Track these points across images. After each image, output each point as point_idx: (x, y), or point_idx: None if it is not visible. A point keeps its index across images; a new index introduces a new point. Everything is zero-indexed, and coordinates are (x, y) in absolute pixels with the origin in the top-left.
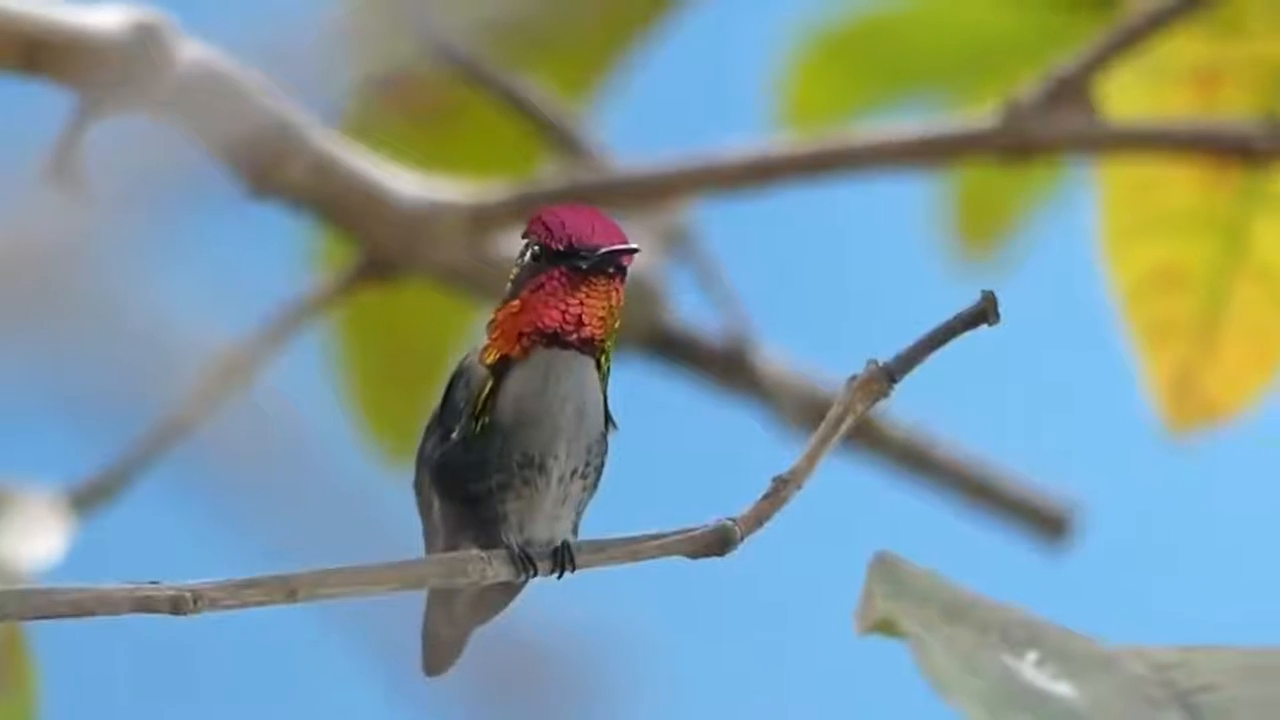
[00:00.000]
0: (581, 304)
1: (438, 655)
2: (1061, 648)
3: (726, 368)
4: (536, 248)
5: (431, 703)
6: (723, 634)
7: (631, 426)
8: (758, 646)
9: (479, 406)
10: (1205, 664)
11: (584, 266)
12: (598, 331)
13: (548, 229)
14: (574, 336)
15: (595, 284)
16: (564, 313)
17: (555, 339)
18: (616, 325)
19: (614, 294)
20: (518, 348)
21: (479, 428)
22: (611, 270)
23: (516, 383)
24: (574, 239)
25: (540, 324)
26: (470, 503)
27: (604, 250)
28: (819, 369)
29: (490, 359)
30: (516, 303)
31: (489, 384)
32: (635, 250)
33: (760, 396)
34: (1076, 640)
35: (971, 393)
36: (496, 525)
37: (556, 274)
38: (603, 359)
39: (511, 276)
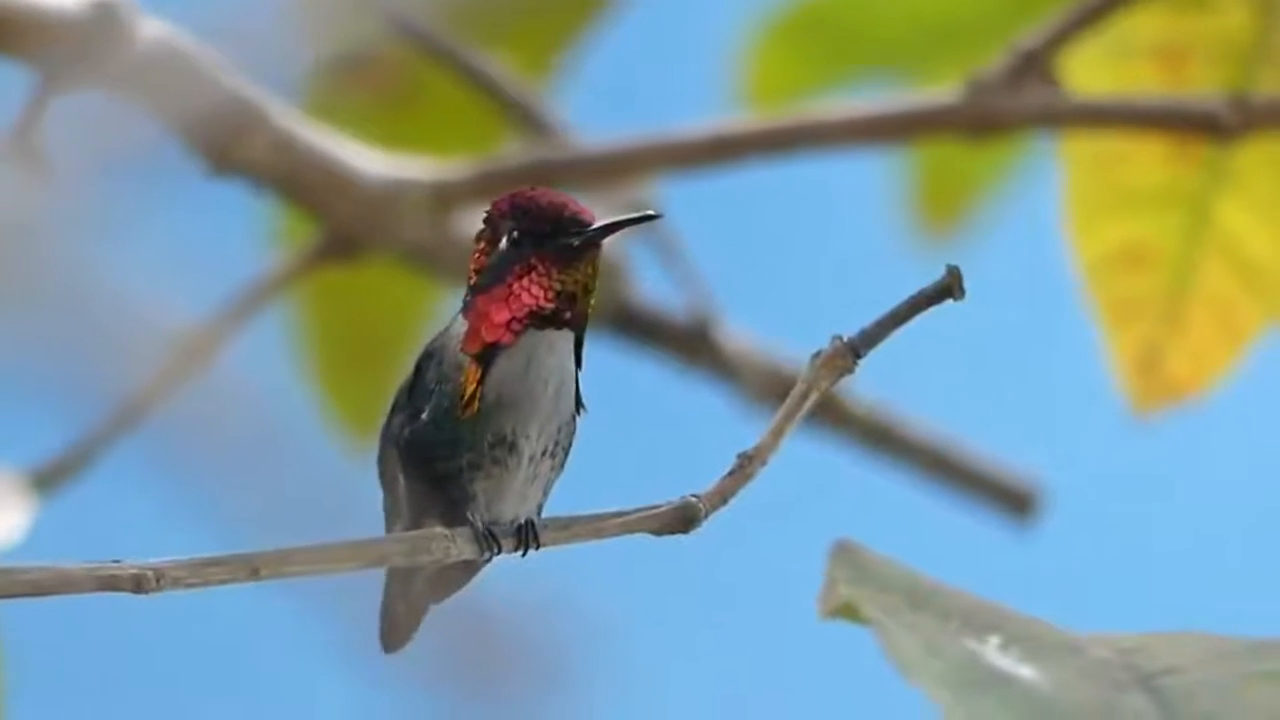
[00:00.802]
0: (571, 283)
1: (395, 631)
2: (1024, 632)
3: (690, 345)
4: (515, 233)
5: (395, 680)
6: (688, 611)
7: (595, 404)
8: (723, 623)
9: (467, 394)
10: (1168, 648)
11: (576, 244)
12: (584, 308)
13: (526, 213)
14: (566, 315)
15: (578, 262)
16: (557, 294)
17: (547, 320)
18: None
19: (593, 269)
20: (508, 334)
21: (466, 413)
22: (595, 246)
23: (501, 366)
24: (556, 219)
25: (535, 307)
26: (438, 481)
27: (596, 226)
28: (782, 346)
29: (476, 347)
30: (503, 289)
31: (478, 371)
32: (628, 222)
33: (724, 374)
34: (1039, 625)
35: (936, 370)
36: (464, 504)
37: (545, 256)
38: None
39: (475, 259)
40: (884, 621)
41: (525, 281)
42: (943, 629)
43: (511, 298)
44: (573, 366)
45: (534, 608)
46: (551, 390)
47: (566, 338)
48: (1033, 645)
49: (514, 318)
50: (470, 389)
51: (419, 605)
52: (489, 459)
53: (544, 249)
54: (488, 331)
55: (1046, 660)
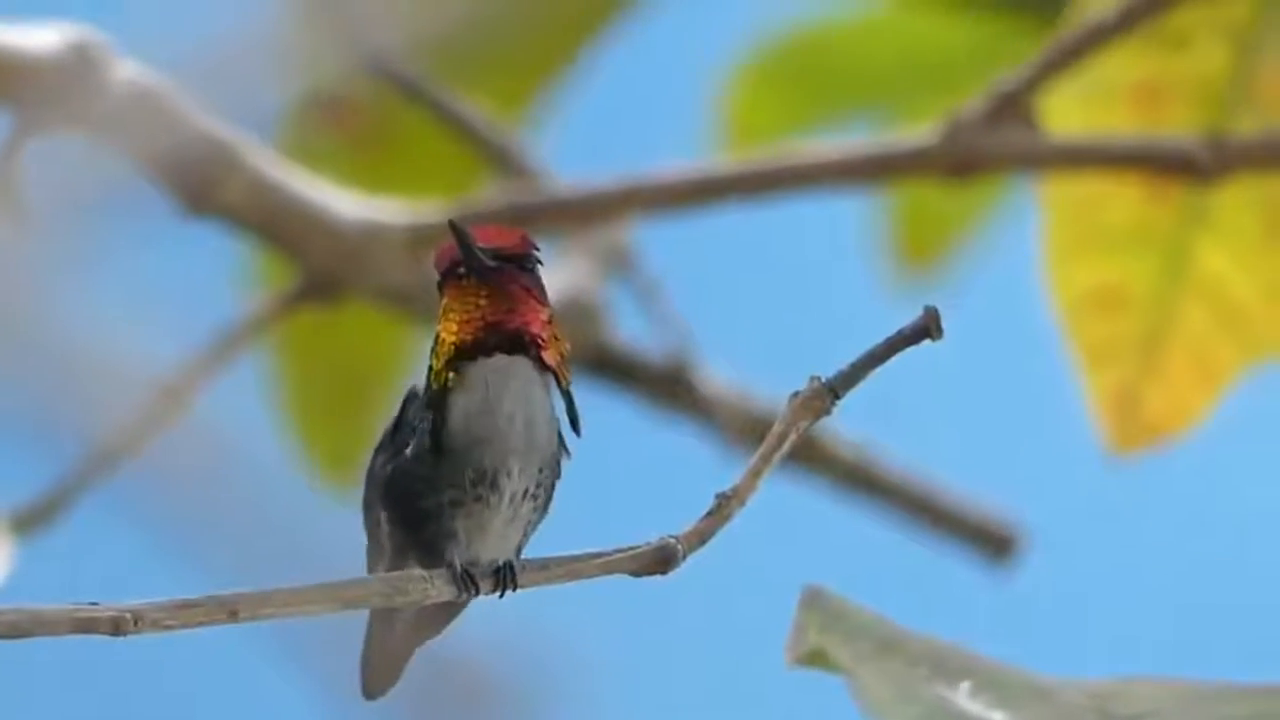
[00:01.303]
0: (482, 308)
1: (377, 678)
2: (995, 678)
3: (667, 386)
4: (437, 278)
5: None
6: (666, 652)
7: (573, 445)
8: (700, 665)
9: (430, 430)
10: (1140, 693)
11: (460, 273)
12: (511, 322)
13: (436, 257)
14: (490, 341)
15: (488, 286)
16: (466, 322)
17: (476, 348)
18: (538, 309)
19: (511, 283)
20: (448, 372)
21: (430, 449)
22: (491, 263)
23: (461, 402)
24: (451, 255)
25: (454, 340)
26: (420, 520)
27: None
28: (760, 388)
29: (433, 384)
30: (437, 333)
31: (433, 408)
32: (490, 237)
33: (702, 415)
34: (1010, 671)
35: (915, 411)
36: (443, 542)
37: (448, 290)
38: (552, 346)
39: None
40: (854, 668)
41: (444, 319)
42: (912, 675)
43: (440, 338)
44: (543, 400)
45: (511, 649)
46: (520, 424)
47: (522, 366)
48: (1004, 691)
49: (446, 356)
50: (431, 423)
51: (402, 649)
52: (470, 496)
53: (446, 284)
54: (435, 368)
55: (1017, 706)
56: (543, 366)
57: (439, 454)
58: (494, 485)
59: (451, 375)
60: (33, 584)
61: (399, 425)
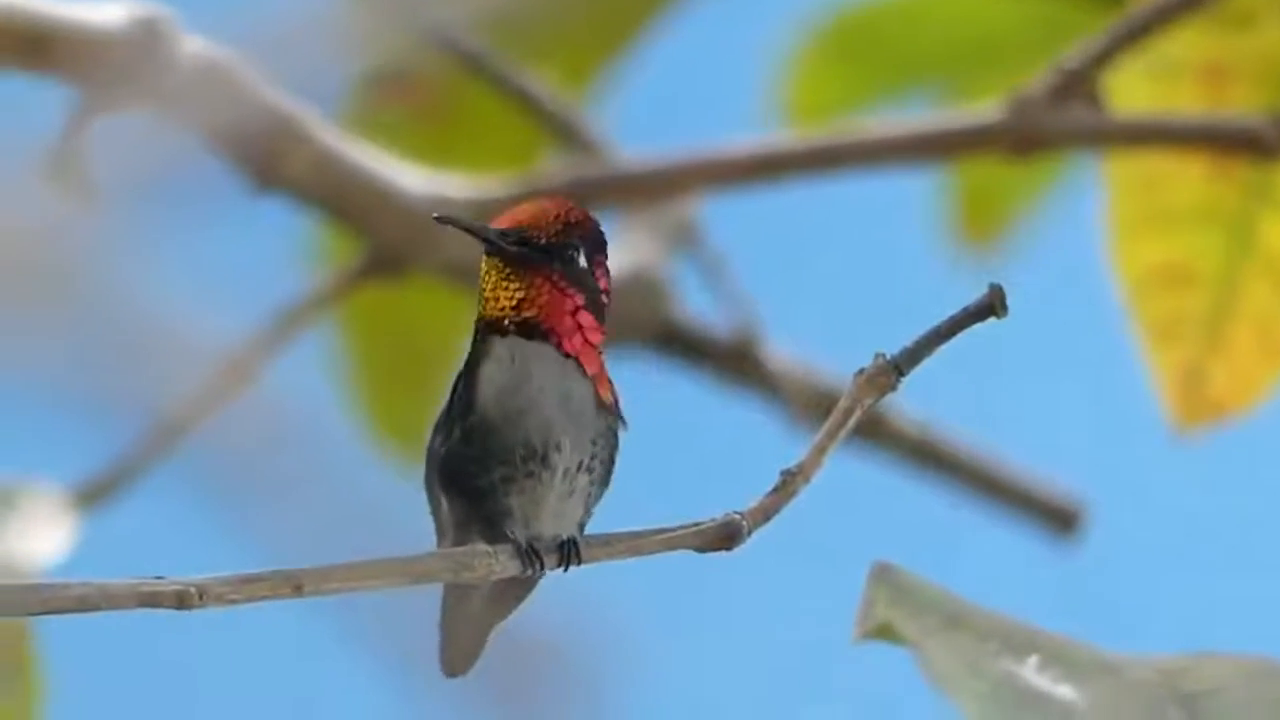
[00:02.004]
0: (515, 289)
1: (457, 655)
2: (1063, 653)
3: (733, 363)
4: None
5: (436, 701)
6: (727, 628)
7: (639, 422)
8: (765, 641)
9: (459, 411)
10: (1209, 669)
11: (489, 252)
12: (531, 314)
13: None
14: (511, 322)
15: (529, 271)
16: (490, 300)
17: (498, 327)
18: (553, 301)
19: (534, 278)
20: (474, 347)
21: (459, 433)
22: (511, 249)
23: (493, 378)
24: (501, 230)
25: (480, 314)
26: (475, 497)
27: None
28: (825, 364)
29: (465, 363)
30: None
31: (464, 388)
32: (524, 219)
33: (767, 391)
34: (1078, 646)
35: (979, 388)
36: (501, 520)
37: (485, 264)
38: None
39: None
40: (922, 641)
41: (479, 295)
42: (981, 649)
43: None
44: (575, 375)
45: (576, 626)
46: (554, 399)
47: (545, 348)
48: (1071, 666)
49: (476, 331)
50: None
51: (479, 627)
52: (522, 472)
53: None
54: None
55: (1085, 681)
56: (563, 354)
57: (468, 432)
58: (545, 461)
59: (477, 350)
60: (97, 559)
61: (452, 404)
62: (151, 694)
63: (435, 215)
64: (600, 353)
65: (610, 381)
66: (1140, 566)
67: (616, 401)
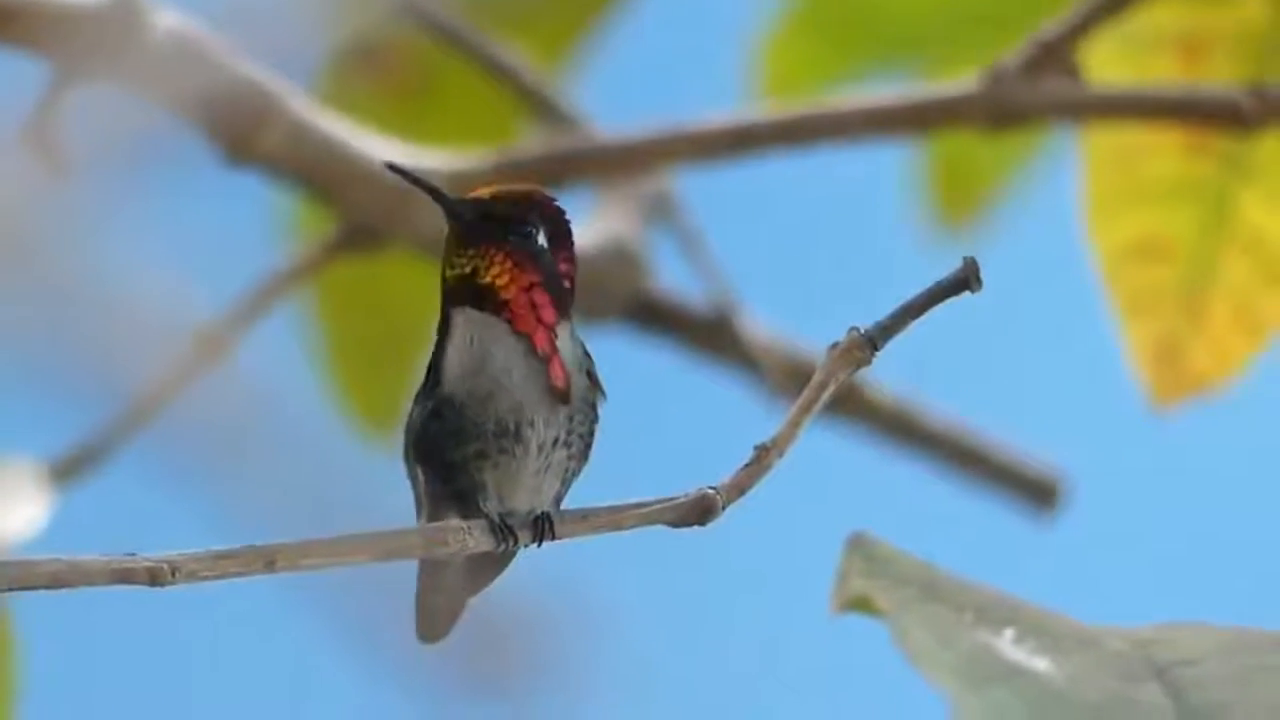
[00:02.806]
0: (471, 256)
1: (432, 622)
2: (1039, 625)
3: (710, 336)
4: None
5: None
6: (701, 603)
7: (615, 396)
8: (737, 616)
9: (430, 386)
10: (1184, 640)
11: (454, 219)
12: (484, 282)
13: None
14: (467, 288)
15: (482, 239)
16: (452, 266)
17: (455, 296)
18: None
19: (493, 251)
20: (441, 321)
21: (431, 408)
22: (469, 216)
23: (456, 357)
24: (461, 199)
25: (442, 276)
26: (447, 471)
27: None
28: (803, 338)
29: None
30: None
31: (434, 364)
32: (476, 200)
33: (744, 365)
34: (1055, 618)
35: (956, 362)
36: (474, 494)
37: (447, 232)
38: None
39: None
40: (897, 613)
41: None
42: (957, 621)
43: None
44: (530, 350)
45: (547, 600)
46: (518, 377)
47: (502, 326)
48: (1047, 638)
49: (441, 300)
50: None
51: (457, 597)
52: (495, 448)
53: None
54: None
55: (1061, 652)
56: (516, 331)
57: (440, 399)
58: (518, 436)
59: (442, 324)
60: (70, 535)
61: (428, 379)
62: (129, 672)
63: (386, 163)
64: (555, 335)
65: (589, 357)
66: (1118, 539)
67: (595, 377)
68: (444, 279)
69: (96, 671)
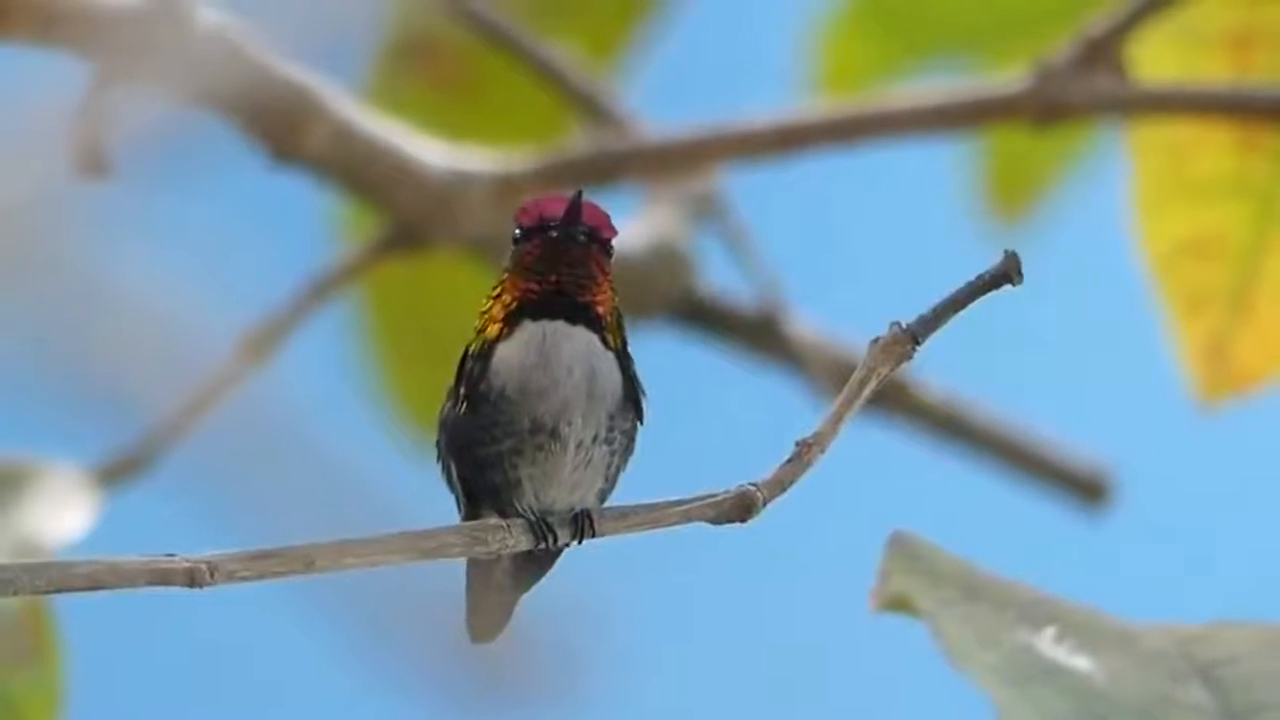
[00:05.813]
0: (559, 273)
1: (485, 621)
2: (1081, 623)
3: (757, 335)
4: (516, 231)
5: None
6: (742, 600)
7: (662, 394)
8: (779, 614)
9: (470, 382)
10: (1227, 638)
11: (554, 235)
12: (581, 297)
13: (523, 211)
14: (556, 305)
15: (570, 253)
16: (541, 281)
17: (539, 309)
18: (607, 292)
19: (592, 262)
20: (503, 325)
21: (467, 403)
22: (582, 238)
23: (512, 356)
24: (544, 215)
25: (522, 296)
26: (481, 468)
27: (561, 220)
28: (851, 336)
29: (481, 336)
30: (502, 281)
31: (478, 361)
32: (591, 216)
33: (791, 363)
34: (1096, 617)
35: (1005, 358)
36: (508, 491)
37: (530, 248)
38: (610, 326)
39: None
40: (937, 613)
41: (516, 273)
42: (998, 620)
43: (505, 290)
44: (603, 353)
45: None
46: (578, 377)
47: (582, 330)
48: (1088, 636)
49: (508, 307)
50: (473, 375)
51: (508, 595)
52: (530, 445)
53: (531, 241)
54: (488, 321)
55: (1102, 651)
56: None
57: (476, 403)
58: (554, 434)
59: (504, 329)
60: (110, 538)
61: (459, 375)
62: (172, 674)
63: (579, 192)
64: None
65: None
66: (1166, 536)
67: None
68: (540, 289)
69: (144, 674)
